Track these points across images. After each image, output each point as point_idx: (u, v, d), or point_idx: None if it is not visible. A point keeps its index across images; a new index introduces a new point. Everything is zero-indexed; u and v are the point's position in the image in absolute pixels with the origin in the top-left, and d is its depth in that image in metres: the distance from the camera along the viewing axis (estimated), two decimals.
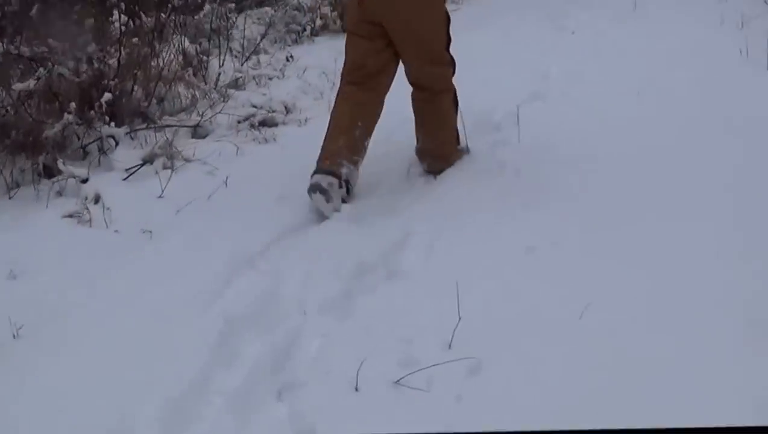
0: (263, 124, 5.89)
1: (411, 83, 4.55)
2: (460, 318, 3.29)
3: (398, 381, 3.06)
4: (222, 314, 3.53)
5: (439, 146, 4.70)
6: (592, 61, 6.91)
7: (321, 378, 3.16)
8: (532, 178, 4.66)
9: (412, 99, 4.60)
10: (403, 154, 4.95)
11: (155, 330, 3.46)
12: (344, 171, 4.32)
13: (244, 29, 8.05)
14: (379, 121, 4.67)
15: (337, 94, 4.60)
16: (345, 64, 4.57)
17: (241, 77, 6.84)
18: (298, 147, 5.35)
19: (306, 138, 5.34)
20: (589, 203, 4.28)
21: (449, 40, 4.48)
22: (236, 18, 8.43)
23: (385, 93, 4.55)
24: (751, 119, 5.15)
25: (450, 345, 3.24)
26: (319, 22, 8.61)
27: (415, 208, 4.42)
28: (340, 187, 4.29)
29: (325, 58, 7.38)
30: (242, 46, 7.70)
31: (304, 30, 8.52)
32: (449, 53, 4.51)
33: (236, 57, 7.46)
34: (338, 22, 8.57)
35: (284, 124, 5.91)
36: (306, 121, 5.88)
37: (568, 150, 4.99)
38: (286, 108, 6.14)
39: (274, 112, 6.08)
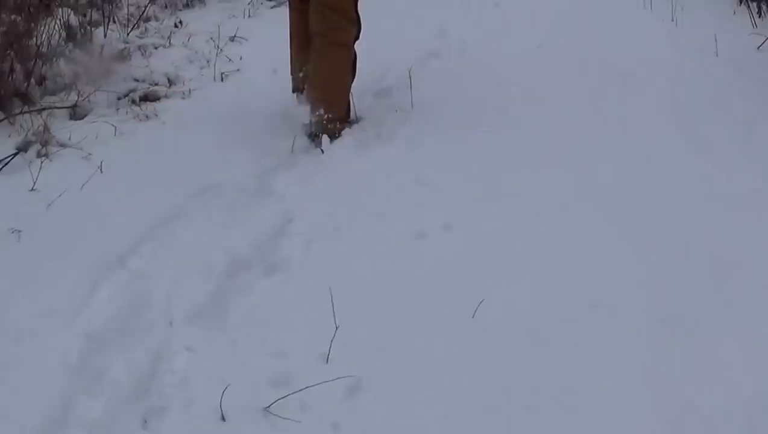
0: (145, 98, 5.34)
1: (310, 31, 4.34)
2: (337, 327, 2.87)
3: (268, 407, 2.63)
4: (84, 329, 3.06)
5: (328, 103, 4.34)
6: (492, 15, 6.50)
7: (186, 403, 2.72)
8: (424, 149, 4.28)
9: (310, 54, 4.37)
10: (288, 128, 4.51)
11: (9, 351, 2.98)
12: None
13: None
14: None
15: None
16: None
17: (126, 48, 6.28)
18: (179, 122, 4.89)
19: (189, 111, 5.01)
20: (482, 175, 3.99)
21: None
22: None
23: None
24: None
25: (327, 359, 2.83)
26: None
27: (296, 191, 3.99)
28: None
29: (215, 22, 6.86)
30: (128, 14, 7.11)
31: None
32: (356, 11, 4.34)
33: (125, 26, 6.89)
34: None
35: (167, 97, 5.37)
36: (190, 92, 5.36)
37: (461, 115, 4.66)
38: (169, 80, 5.61)
39: (156, 84, 5.55)
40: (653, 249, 3.42)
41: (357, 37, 4.38)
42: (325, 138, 4.35)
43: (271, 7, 7.43)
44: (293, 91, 4.63)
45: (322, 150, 4.33)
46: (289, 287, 3.29)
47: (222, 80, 5.51)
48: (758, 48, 5.40)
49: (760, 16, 6.05)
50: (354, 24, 4.32)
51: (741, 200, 3.75)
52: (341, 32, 4.31)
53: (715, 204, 3.72)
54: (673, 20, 6.08)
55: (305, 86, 4.42)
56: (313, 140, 4.38)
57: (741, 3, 6.45)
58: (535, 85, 4.97)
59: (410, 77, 4.94)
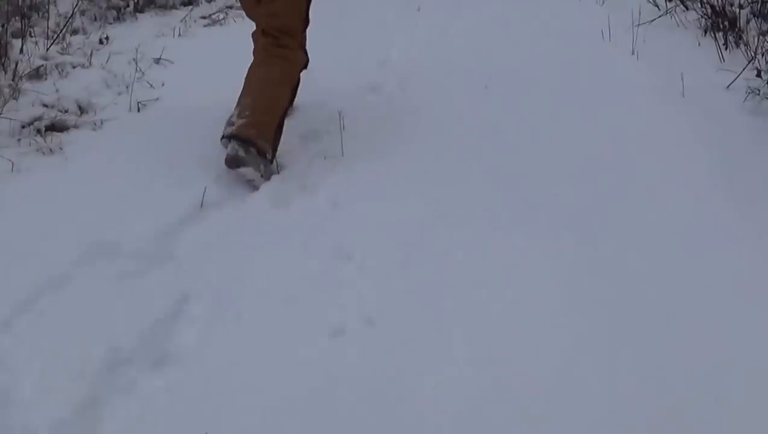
0: (52, 128, 4.66)
1: (255, 47, 4.13)
2: None
3: None
4: None
5: (256, 114, 3.80)
6: (438, 45, 5.88)
7: None
8: (351, 209, 3.66)
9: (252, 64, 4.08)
10: (202, 176, 3.89)
11: None
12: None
13: (53, 4, 6.76)
14: None
15: None
16: None
17: (43, 66, 5.58)
18: (84, 159, 4.25)
19: (97, 146, 4.41)
20: (416, 244, 3.38)
21: (307, 22, 4.15)
22: None
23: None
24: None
25: None
26: None
27: (200, 257, 3.35)
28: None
29: (143, 39, 6.21)
30: (54, 25, 6.41)
31: (127, 5, 7.22)
32: (303, 37, 4.16)
33: (49, 39, 6.17)
34: None
35: (76, 127, 4.68)
36: (101, 123, 4.68)
37: (396, 165, 4.05)
38: (80, 107, 4.92)
39: (66, 112, 4.86)
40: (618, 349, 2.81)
41: (304, 66, 4.15)
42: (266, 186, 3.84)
43: (205, 26, 6.75)
44: (222, 138, 3.94)
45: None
46: (177, 389, 2.64)
47: (138, 110, 4.84)
48: (727, 87, 4.79)
49: (726, 48, 5.46)
50: (301, 48, 4.12)
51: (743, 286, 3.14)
52: (288, 50, 4.03)
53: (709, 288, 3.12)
54: (633, 53, 5.47)
55: (239, 101, 3.95)
56: (228, 148, 3.79)
57: (706, 34, 5.86)
58: (480, 132, 4.36)
59: (341, 119, 4.31)
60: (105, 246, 3.38)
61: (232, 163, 3.69)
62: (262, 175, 3.77)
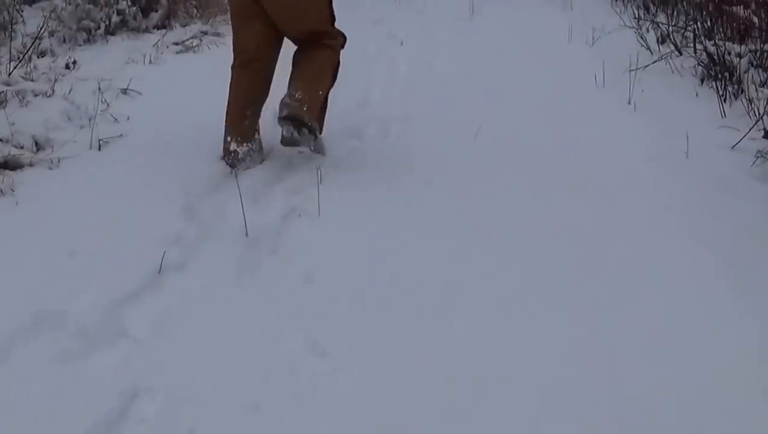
0: (5, 165, 4.17)
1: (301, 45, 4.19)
2: None
3: None
4: None
5: (304, 93, 3.97)
6: (423, 82, 5.46)
7: None
8: (325, 285, 3.16)
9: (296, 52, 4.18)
10: (162, 232, 3.40)
11: None
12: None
13: (21, 23, 6.28)
14: None
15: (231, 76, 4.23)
16: (233, 46, 4.21)
17: (3, 92, 5.08)
18: (36, 205, 3.76)
19: (51, 189, 3.93)
20: (399, 342, 2.86)
21: (333, 18, 4.20)
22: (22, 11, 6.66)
23: (269, 73, 4.22)
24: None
25: None
26: (115, 18, 6.81)
27: (153, 336, 2.84)
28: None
29: (112, 65, 5.74)
30: (20, 46, 5.91)
31: (98, 27, 6.73)
32: (335, 28, 4.21)
33: (14, 61, 5.66)
34: (138, 17, 6.85)
35: (31, 165, 4.19)
36: (59, 162, 4.20)
37: (377, 229, 3.60)
38: (36, 143, 4.43)
39: (21, 148, 4.37)
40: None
41: (343, 45, 4.24)
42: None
43: (178, 52, 6.29)
44: (279, 118, 3.96)
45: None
46: None
47: (99, 148, 4.36)
48: (732, 147, 4.39)
49: (725, 101, 5.07)
50: (339, 35, 4.21)
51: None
52: (330, 40, 4.18)
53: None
54: (630, 103, 5.06)
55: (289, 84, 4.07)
56: (284, 129, 3.95)
57: (703, 83, 5.48)
58: (469, 187, 3.93)
59: (319, 173, 3.87)
60: (49, 317, 2.88)
61: (288, 143, 3.98)
62: (311, 150, 4.17)
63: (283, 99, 3.93)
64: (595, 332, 2.86)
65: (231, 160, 4.10)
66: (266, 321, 2.88)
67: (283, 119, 3.88)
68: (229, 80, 4.18)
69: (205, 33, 6.84)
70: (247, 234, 3.44)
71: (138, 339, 2.80)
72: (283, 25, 4.06)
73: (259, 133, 4.22)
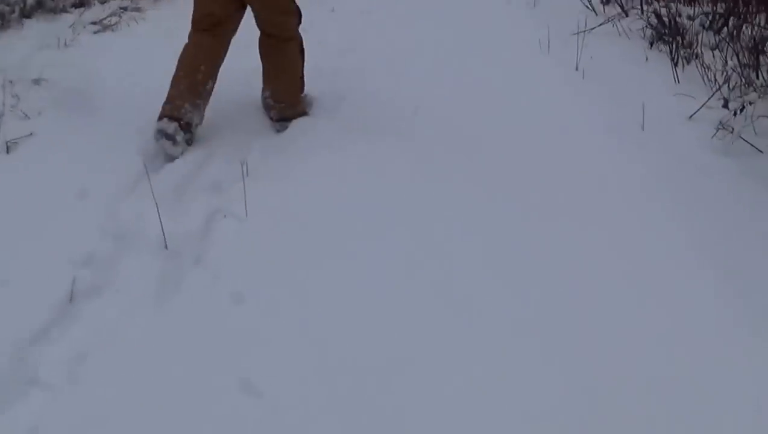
0: None
1: (260, 30, 4.17)
2: None
3: None
4: None
5: (284, 93, 4.19)
6: (355, 51, 5.10)
7: None
8: (254, 306, 2.77)
9: (260, 45, 4.19)
10: (78, 247, 3.00)
11: None
12: (186, 114, 3.88)
13: None
14: None
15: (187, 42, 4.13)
16: (193, 12, 4.11)
17: None
18: None
19: None
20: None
21: (299, 13, 4.19)
22: None
23: (230, 39, 4.14)
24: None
25: None
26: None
27: (65, 381, 2.45)
28: (183, 130, 3.85)
29: (25, 52, 5.26)
30: None
31: (13, 11, 6.20)
32: (295, 3, 4.16)
33: None
34: None
35: None
36: None
37: (309, 229, 3.20)
38: None
39: None
40: None
41: (299, 23, 4.22)
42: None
43: (96, 32, 5.81)
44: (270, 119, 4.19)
45: None
46: None
47: (8, 151, 3.90)
48: (690, 117, 4.07)
49: (677, 65, 4.75)
50: (295, 15, 4.17)
51: None
52: (287, 29, 4.17)
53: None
54: (578, 70, 4.72)
55: (263, 82, 4.23)
56: (278, 126, 4.14)
57: (652, 46, 5.15)
58: (414, 172, 3.57)
59: (245, 168, 3.48)
60: None
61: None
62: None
63: (266, 99, 4.17)
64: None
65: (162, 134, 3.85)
66: (190, 357, 2.49)
67: (273, 119, 4.15)
68: (182, 51, 4.02)
69: (124, 9, 6.35)
70: (166, 246, 3.05)
71: (52, 386, 2.41)
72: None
73: (199, 125, 3.99)
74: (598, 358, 2.50)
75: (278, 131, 4.09)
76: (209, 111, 3.97)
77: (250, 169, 3.54)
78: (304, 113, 4.21)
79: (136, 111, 3.93)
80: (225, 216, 3.27)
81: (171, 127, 3.79)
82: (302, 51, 4.28)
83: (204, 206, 3.35)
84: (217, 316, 2.67)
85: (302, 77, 4.33)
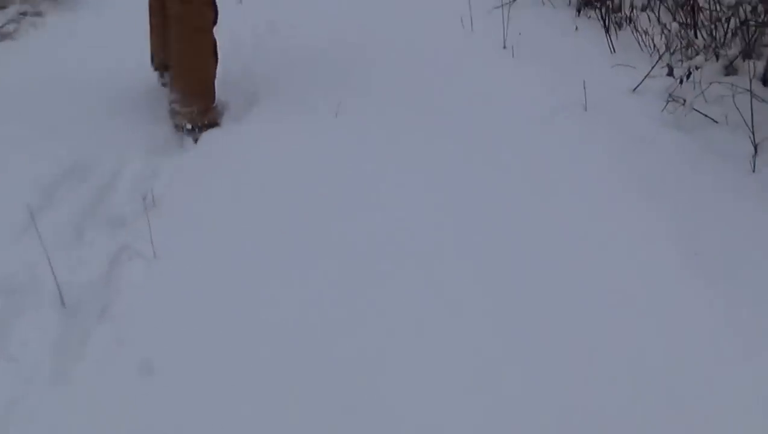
0: None
1: (167, 16, 3.75)
2: None
3: None
4: None
5: (195, 95, 3.69)
6: (268, 47, 4.65)
7: None
8: (168, 375, 2.31)
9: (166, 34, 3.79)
10: None
11: None
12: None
13: None
14: None
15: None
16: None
17: None
18: None
19: None
20: None
21: None
22: None
23: None
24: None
25: None
26: None
27: None
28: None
29: None
30: None
31: None
32: None
33: None
34: None
35: None
36: None
37: (226, 269, 2.73)
38: None
39: None
40: None
41: (215, 22, 3.80)
42: None
43: None
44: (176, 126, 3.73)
45: None
46: None
47: None
48: (634, 90, 3.72)
49: (608, 32, 4.39)
50: (208, 6, 3.74)
51: None
52: (198, 17, 3.71)
53: None
54: (506, 48, 4.33)
55: (169, 77, 3.81)
56: (182, 132, 3.68)
57: (579, 14, 4.79)
58: (341, 195, 3.13)
59: (151, 196, 3.03)
60: None
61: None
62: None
63: (172, 105, 3.70)
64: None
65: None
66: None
67: (181, 128, 3.70)
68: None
69: (24, 14, 5.80)
70: (63, 302, 2.59)
71: None
72: None
73: None
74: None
75: (187, 147, 3.62)
76: (103, 128, 3.51)
77: (157, 197, 3.08)
78: (215, 123, 3.75)
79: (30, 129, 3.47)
80: (130, 257, 2.81)
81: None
82: (215, 53, 3.86)
83: (105, 247, 2.88)
84: (122, 393, 2.20)
85: (213, 82, 3.86)
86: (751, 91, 3.31)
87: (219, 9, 3.76)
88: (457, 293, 2.52)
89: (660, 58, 3.80)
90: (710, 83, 3.55)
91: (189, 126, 3.67)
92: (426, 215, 2.90)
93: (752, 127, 3.22)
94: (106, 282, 2.71)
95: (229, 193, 3.14)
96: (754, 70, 3.70)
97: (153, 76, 4.01)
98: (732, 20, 3.95)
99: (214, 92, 3.81)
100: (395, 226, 2.84)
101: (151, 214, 2.92)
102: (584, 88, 3.60)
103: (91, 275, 2.73)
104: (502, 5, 4.78)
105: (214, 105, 3.80)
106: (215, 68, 3.84)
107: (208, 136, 3.65)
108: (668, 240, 2.72)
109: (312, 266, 2.69)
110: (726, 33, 3.97)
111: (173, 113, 3.69)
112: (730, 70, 3.81)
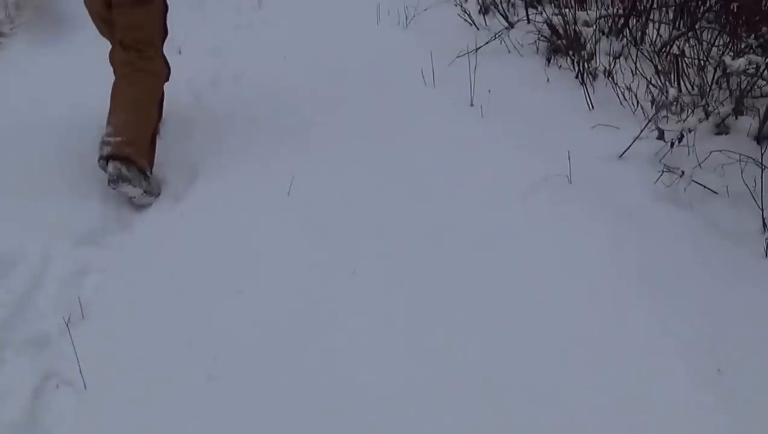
0: None
1: (114, 63, 3.64)
2: None
3: None
4: None
5: (129, 136, 3.35)
6: (210, 103, 4.24)
7: None
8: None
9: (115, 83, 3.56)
10: None
11: None
12: None
13: None
14: None
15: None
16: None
17: None
18: None
19: None
20: None
21: (165, 33, 3.72)
22: None
23: None
24: None
25: None
26: None
27: None
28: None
29: None
30: None
31: None
32: (161, 50, 3.71)
33: None
34: None
35: None
36: None
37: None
38: None
39: None
40: None
41: (167, 78, 3.75)
42: None
43: None
44: (99, 159, 3.37)
45: None
46: None
47: None
48: (620, 157, 3.35)
49: (583, 84, 4.03)
50: (162, 58, 3.70)
51: None
52: (153, 62, 3.64)
53: None
54: (473, 105, 3.94)
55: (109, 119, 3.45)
56: (105, 166, 3.31)
57: (550, 63, 4.42)
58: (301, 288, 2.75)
59: (78, 310, 2.60)
60: None
61: (117, 181, 3.27)
62: (144, 192, 3.34)
63: (103, 137, 3.37)
64: None
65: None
66: None
67: (104, 158, 3.32)
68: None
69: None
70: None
71: None
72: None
73: None
74: None
75: (111, 174, 3.26)
76: (35, 202, 3.10)
77: (85, 305, 2.66)
78: (145, 170, 3.37)
79: None
80: (57, 385, 2.38)
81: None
82: (161, 107, 3.75)
83: (26, 372, 2.45)
84: None
85: (155, 134, 3.62)
86: (762, 164, 2.97)
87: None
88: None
89: (648, 121, 3.43)
90: (710, 152, 3.19)
91: (109, 154, 3.30)
92: (388, 329, 2.52)
93: (761, 202, 2.88)
94: (31, 421, 2.28)
95: (166, 297, 2.73)
96: (749, 129, 3.38)
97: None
98: (718, 69, 3.64)
99: (154, 140, 3.58)
100: (353, 344, 2.46)
101: (79, 330, 2.49)
102: (569, 158, 3.21)
103: (13, 412, 2.30)
104: (468, 53, 4.38)
105: (151, 174, 3.43)
106: (158, 120, 3.69)
107: (144, 218, 3.24)
108: (682, 350, 2.35)
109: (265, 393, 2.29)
110: (712, 84, 3.65)
111: (102, 143, 3.35)
112: (721, 128, 3.47)
